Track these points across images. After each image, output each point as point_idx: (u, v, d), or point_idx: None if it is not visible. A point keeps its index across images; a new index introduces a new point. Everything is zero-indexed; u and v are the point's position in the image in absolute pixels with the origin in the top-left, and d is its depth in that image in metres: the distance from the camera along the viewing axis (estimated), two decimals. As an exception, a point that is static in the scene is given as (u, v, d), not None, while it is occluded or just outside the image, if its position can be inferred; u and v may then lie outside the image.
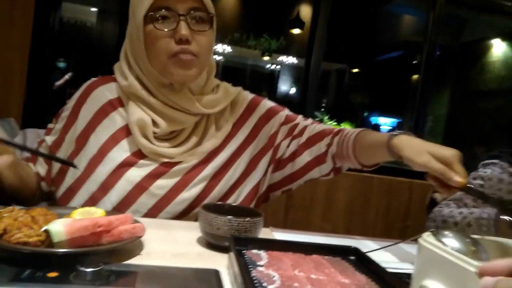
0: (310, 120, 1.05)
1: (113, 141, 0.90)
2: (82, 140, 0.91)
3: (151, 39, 0.85)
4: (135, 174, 0.87)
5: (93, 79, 0.99)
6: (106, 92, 0.94)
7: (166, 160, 0.90)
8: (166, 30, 0.83)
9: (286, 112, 1.05)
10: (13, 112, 1.96)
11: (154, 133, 0.89)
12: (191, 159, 0.91)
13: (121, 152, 0.89)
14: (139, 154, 0.89)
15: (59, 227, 0.58)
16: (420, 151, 0.72)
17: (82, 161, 0.90)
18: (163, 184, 0.89)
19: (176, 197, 0.89)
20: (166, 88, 0.90)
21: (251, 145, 0.99)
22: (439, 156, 0.71)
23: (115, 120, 0.91)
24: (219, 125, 0.97)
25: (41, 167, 0.95)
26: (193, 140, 0.92)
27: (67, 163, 0.88)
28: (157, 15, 0.83)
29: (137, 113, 0.88)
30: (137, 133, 0.87)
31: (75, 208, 0.72)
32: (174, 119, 0.90)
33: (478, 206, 1.22)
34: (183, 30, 0.83)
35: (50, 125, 0.99)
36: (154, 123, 0.89)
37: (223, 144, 0.96)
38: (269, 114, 1.02)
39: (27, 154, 0.98)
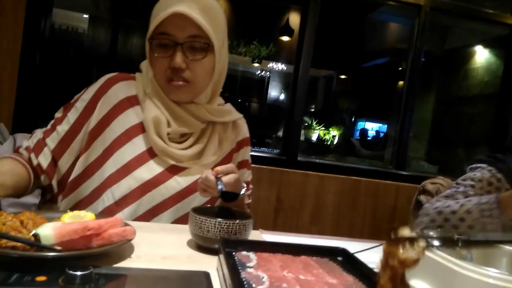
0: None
1: (126, 137, 0.92)
2: (96, 133, 0.92)
3: (153, 60, 0.92)
4: (142, 174, 0.90)
5: (113, 73, 1.01)
6: (124, 88, 0.97)
7: (173, 163, 0.93)
8: (162, 57, 0.90)
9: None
10: (3, 117, 1.95)
11: (168, 134, 0.93)
12: (195, 169, 0.95)
13: (132, 149, 0.91)
14: (149, 154, 0.92)
15: (48, 231, 0.58)
16: None
17: (92, 154, 0.92)
18: (166, 189, 0.91)
19: (177, 203, 0.93)
20: None
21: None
22: None
23: (130, 117, 0.94)
24: (221, 142, 1.03)
25: (44, 159, 0.93)
26: (199, 146, 0.97)
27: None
28: (157, 42, 0.89)
29: (154, 111, 0.92)
30: (151, 130, 0.91)
31: (64, 211, 0.71)
32: (186, 122, 0.95)
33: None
34: (177, 59, 0.88)
35: (57, 115, 0.98)
36: (168, 123, 0.93)
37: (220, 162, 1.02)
38: (244, 145, 1.11)
39: (27, 143, 0.96)
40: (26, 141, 0.97)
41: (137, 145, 0.92)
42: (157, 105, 0.93)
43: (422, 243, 0.47)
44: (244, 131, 1.12)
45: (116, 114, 0.94)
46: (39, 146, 0.94)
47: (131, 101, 0.96)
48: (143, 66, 0.99)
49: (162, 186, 0.91)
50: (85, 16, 3.74)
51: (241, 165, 1.10)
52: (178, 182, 0.93)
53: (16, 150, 0.97)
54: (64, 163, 0.93)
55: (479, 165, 1.26)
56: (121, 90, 0.96)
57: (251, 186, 1.12)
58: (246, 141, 1.12)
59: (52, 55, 2.38)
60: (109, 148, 0.91)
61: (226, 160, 1.04)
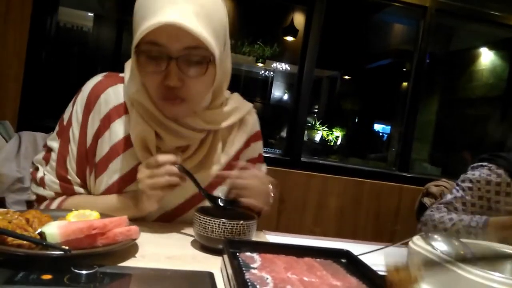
0: None
1: (114, 152, 0.85)
2: (93, 150, 0.87)
3: (143, 72, 0.78)
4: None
5: (99, 78, 0.90)
6: (112, 96, 0.88)
7: None
8: (153, 71, 0.76)
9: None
10: (9, 115, 1.96)
11: (159, 148, 0.83)
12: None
13: (121, 165, 0.85)
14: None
15: (54, 230, 0.58)
16: None
17: (92, 171, 0.86)
18: (161, 206, 0.86)
19: (176, 218, 0.90)
20: None
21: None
22: None
23: (117, 131, 0.86)
24: (225, 146, 0.93)
25: (47, 192, 0.87)
26: (198, 158, 0.88)
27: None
28: (146, 53, 0.75)
29: (140, 126, 0.82)
30: (138, 147, 0.82)
31: (70, 210, 0.72)
32: (180, 134, 0.84)
33: (467, 209, 1.24)
34: (172, 77, 0.74)
35: (55, 144, 0.88)
36: (158, 136, 0.83)
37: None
38: (253, 141, 1.01)
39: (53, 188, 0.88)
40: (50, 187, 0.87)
41: (125, 162, 0.85)
42: (144, 118, 0.82)
43: (415, 274, 0.49)
44: (253, 126, 1.00)
45: (104, 128, 0.86)
46: (67, 188, 0.88)
47: (119, 111, 0.86)
48: (127, 66, 0.87)
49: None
50: (90, 14, 3.75)
51: (255, 161, 1.01)
52: (175, 197, 0.88)
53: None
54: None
55: (480, 163, 1.30)
56: (109, 98, 0.87)
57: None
58: (256, 136, 1.01)
59: (57, 53, 2.40)
60: (99, 165, 0.85)
61: (231, 164, 0.94)
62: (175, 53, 0.73)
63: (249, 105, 0.99)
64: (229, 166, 0.93)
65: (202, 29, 0.72)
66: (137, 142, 0.82)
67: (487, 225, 1.11)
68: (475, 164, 1.31)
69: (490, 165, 1.26)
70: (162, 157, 0.76)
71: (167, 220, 0.90)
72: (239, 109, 0.95)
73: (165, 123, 0.83)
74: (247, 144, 0.99)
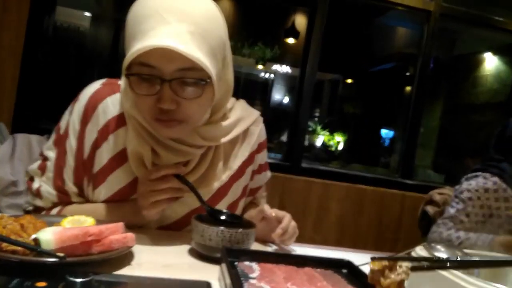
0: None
1: (113, 164, 0.83)
2: (90, 161, 0.84)
3: (135, 93, 0.72)
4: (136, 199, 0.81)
5: (97, 86, 0.86)
6: (110, 106, 0.84)
7: None
8: (146, 94, 0.71)
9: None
10: (4, 117, 1.94)
11: (155, 165, 0.80)
12: (193, 198, 0.80)
13: (121, 177, 0.83)
14: (135, 184, 0.82)
15: (49, 236, 0.57)
16: None
17: (89, 182, 0.84)
18: (160, 220, 0.85)
19: (179, 230, 0.88)
20: None
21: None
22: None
23: (116, 142, 0.83)
24: (228, 161, 0.90)
25: (45, 203, 0.86)
26: (198, 173, 0.84)
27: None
28: (137, 76, 0.70)
29: (136, 141, 0.79)
30: (134, 162, 0.80)
31: (65, 216, 0.71)
32: (178, 151, 0.80)
33: (471, 220, 1.28)
34: (165, 100, 0.70)
35: (49, 152, 0.86)
36: (155, 152, 0.79)
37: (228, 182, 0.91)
38: (258, 152, 0.99)
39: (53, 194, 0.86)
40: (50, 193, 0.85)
41: (122, 177, 0.83)
42: (140, 133, 0.79)
43: (406, 264, 0.46)
44: (259, 136, 0.97)
45: (102, 140, 0.83)
46: (64, 199, 0.86)
47: (117, 122, 0.83)
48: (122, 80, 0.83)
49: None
50: (87, 14, 3.73)
51: (259, 170, 1.00)
52: (174, 211, 0.86)
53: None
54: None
55: (474, 174, 1.37)
56: (107, 109, 0.83)
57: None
58: (262, 146, 0.99)
59: (54, 53, 2.39)
60: (97, 176, 0.83)
61: (236, 176, 0.92)
62: (168, 76, 0.69)
63: (255, 114, 0.95)
64: (232, 180, 0.91)
65: (197, 50, 0.67)
66: (132, 157, 0.80)
67: (493, 245, 1.16)
68: (470, 175, 1.38)
69: (484, 174, 1.32)
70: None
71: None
72: (243, 120, 0.91)
73: (161, 140, 0.79)
74: (251, 157, 0.96)
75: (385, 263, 0.47)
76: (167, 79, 0.69)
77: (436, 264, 0.50)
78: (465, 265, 0.53)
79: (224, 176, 0.89)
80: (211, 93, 0.74)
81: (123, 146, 0.82)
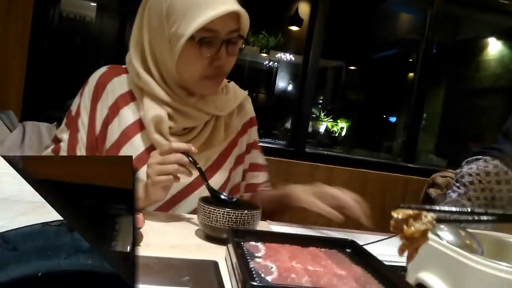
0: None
1: (124, 137, 0.89)
2: (102, 137, 0.90)
3: (188, 58, 0.83)
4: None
5: (104, 69, 0.95)
6: (119, 85, 0.93)
7: None
8: (208, 55, 0.83)
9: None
10: (12, 105, 1.96)
11: (170, 128, 0.89)
12: (200, 161, 0.87)
13: (133, 149, 0.89)
14: (149, 153, 0.87)
15: (59, 218, 0.58)
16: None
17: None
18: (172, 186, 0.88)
19: (186, 197, 0.91)
20: (183, 90, 0.91)
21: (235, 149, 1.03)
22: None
23: (126, 116, 0.91)
24: (227, 128, 1.00)
25: None
26: (202, 138, 0.94)
27: None
28: (205, 39, 0.81)
29: (154, 110, 0.87)
30: (151, 130, 0.87)
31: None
32: (189, 116, 0.91)
33: (474, 204, 1.27)
34: (224, 58, 0.84)
35: (63, 134, 0.91)
36: (170, 117, 0.89)
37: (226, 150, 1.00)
38: (249, 126, 1.08)
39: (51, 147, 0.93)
40: None
41: (137, 145, 0.89)
42: (157, 102, 0.88)
43: (431, 215, 0.47)
44: (249, 111, 1.08)
45: (113, 115, 0.91)
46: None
47: (126, 99, 0.92)
48: (128, 59, 0.92)
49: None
50: (93, 4, 3.73)
51: (251, 147, 1.07)
52: (183, 177, 0.90)
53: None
54: None
55: (475, 157, 1.33)
56: (115, 88, 0.92)
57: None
58: (252, 121, 1.09)
59: (60, 43, 2.39)
60: (110, 150, 0.89)
61: (231, 146, 1.01)
62: (224, 36, 0.83)
63: (244, 92, 1.06)
64: (230, 147, 1.00)
65: (244, 12, 0.83)
66: (150, 125, 0.87)
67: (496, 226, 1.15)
68: (470, 159, 1.36)
69: (485, 157, 1.31)
70: (175, 144, 0.79)
71: (168, 206, 0.91)
72: (236, 96, 1.02)
73: (177, 106, 0.89)
74: (244, 129, 1.06)
75: (410, 212, 0.47)
76: (225, 40, 0.83)
77: (462, 216, 0.50)
78: (492, 219, 0.52)
79: (224, 142, 0.98)
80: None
81: (134, 120, 0.90)
